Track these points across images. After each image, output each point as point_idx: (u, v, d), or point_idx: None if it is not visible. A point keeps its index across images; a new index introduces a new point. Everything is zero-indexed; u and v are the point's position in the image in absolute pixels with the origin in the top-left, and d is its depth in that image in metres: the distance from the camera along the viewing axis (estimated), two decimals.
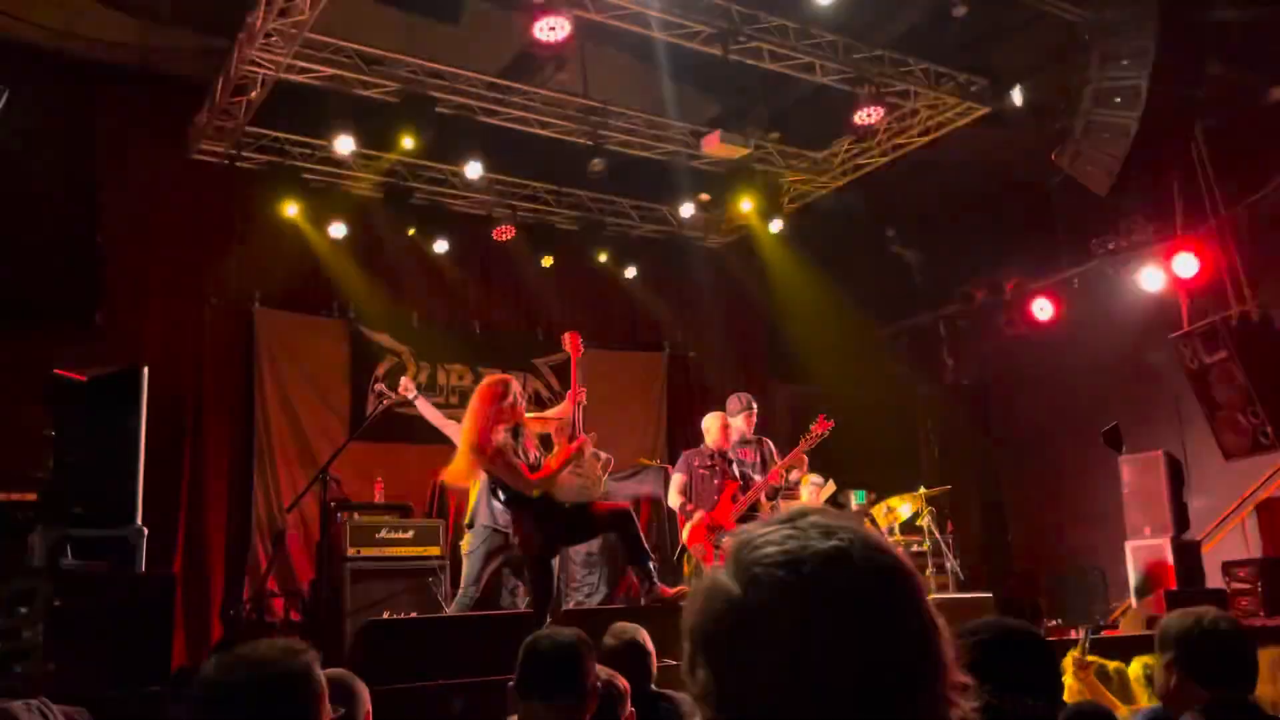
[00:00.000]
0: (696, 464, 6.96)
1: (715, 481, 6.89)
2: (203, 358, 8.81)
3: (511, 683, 2.39)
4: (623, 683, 2.70)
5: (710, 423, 7.13)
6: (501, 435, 5.37)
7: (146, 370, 4.73)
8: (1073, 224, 9.47)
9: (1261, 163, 8.39)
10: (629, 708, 2.65)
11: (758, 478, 6.95)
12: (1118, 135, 7.92)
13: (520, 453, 5.48)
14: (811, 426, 7.00)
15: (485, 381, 5.69)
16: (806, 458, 7.04)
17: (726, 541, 0.97)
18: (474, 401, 5.57)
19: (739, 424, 7.21)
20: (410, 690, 4.31)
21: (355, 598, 7.24)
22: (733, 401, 7.36)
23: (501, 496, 5.67)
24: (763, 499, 6.96)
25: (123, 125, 8.49)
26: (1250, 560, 7.94)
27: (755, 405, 7.35)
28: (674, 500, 7.04)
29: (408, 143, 8.06)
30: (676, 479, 7.03)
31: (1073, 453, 10.07)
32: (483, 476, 6.87)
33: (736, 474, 6.94)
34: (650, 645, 3.59)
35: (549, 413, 6.03)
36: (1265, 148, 8.38)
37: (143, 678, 3.83)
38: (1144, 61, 7.57)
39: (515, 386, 5.60)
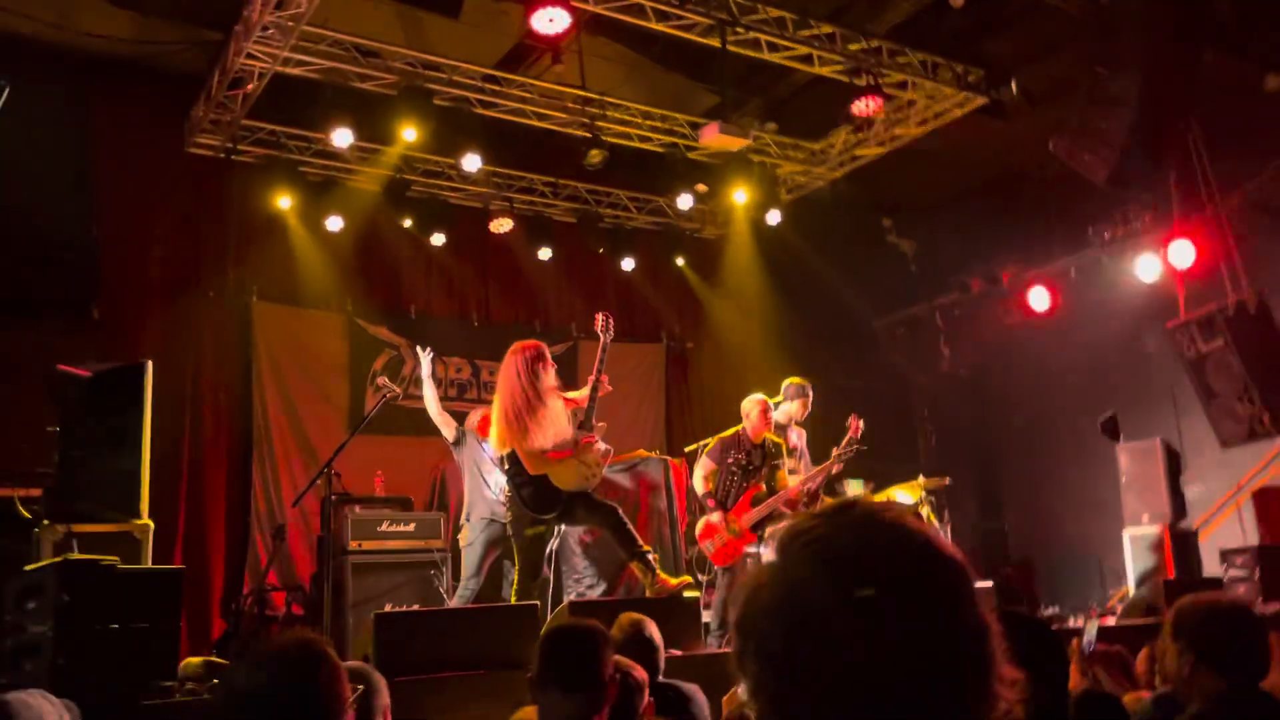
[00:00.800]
0: (730, 460, 6.74)
1: (743, 482, 6.70)
2: (201, 352, 8.79)
3: (529, 674, 2.40)
4: (641, 673, 2.71)
5: (749, 407, 6.81)
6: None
7: (151, 365, 4.72)
8: (1070, 213, 9.49)
9: (1258, 150, 8.42)
10: (647, 698, 2.67)
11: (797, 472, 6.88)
12: (1114, 125, 7.94)
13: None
14: (846, 433, 6.96)
15: (518, 345, 5.70)
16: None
17: (776, 530, 0.97)
18: (510, 365, 5.63)
19: (794, 410, 7.12)
20: (419, 682, 4.32)
21: (357, 591, 7.25)
22: (793, 389, 7.24)
23: (506, 467, 5.68)
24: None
25: (119, 118, 8.46)
26: (1247, 548, 7.98)
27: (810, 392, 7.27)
28: (698, 485, 6.88)
29: (409, 134, 8.02)
30: (705, 464, 6.83)
31: (1070, 441, 10.11)
32: (477, 464, 6.90)
33: (764, 475, 6.77)
34: (658, 637, 3.59)
35: (568, 395, 5.97)
36: (1261, 135, 8.41)
37: (152, 673, 3.83)
38: (1140, 51, 7.59)
39: (548, 353, 5.66)
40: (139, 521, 4.45)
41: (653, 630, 3.57)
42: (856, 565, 0.89)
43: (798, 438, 7.35)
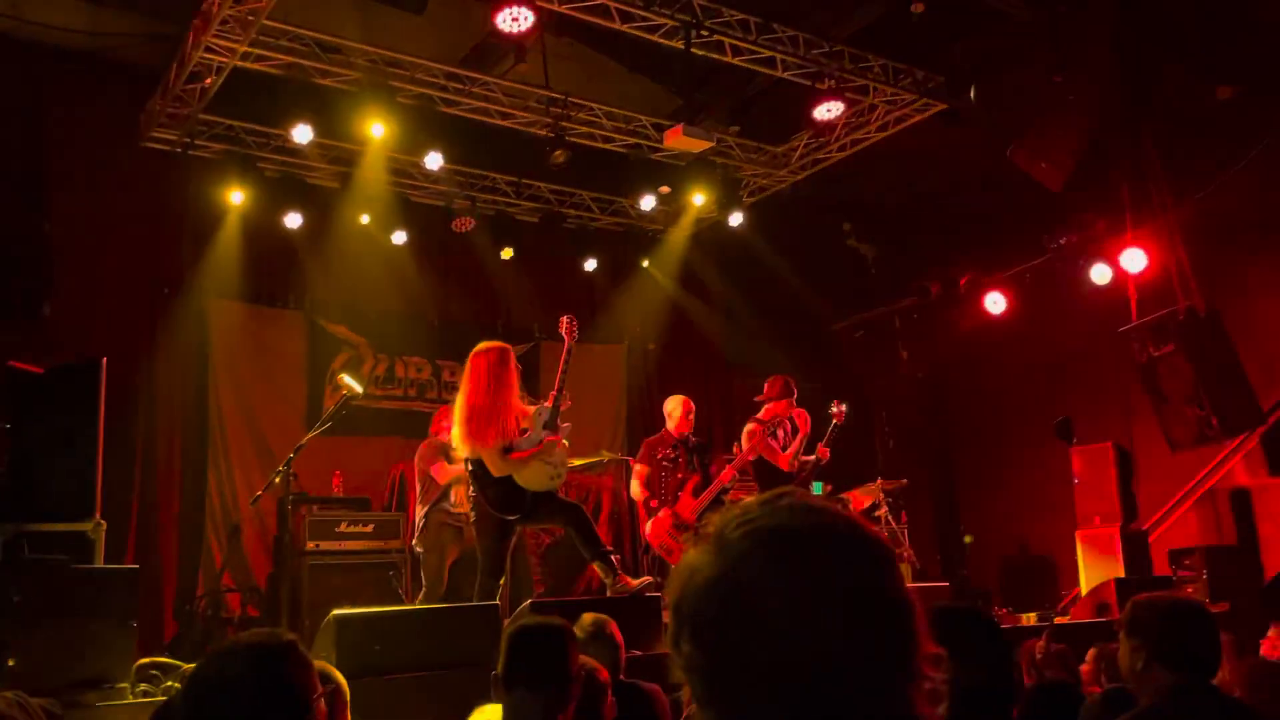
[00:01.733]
0: (660, 455, 6.96)
1: (678, 475, 6.90)
2: (155, 349, 8.65)
3: (495, 672, 2.39)
4: (604, 674, 2.71)
5: (672, 407, 7.12)
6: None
7: (104, 362, 4.64)
8: (1026, 219, 9.64)
9: (1209, 161, 8.60)
10: (609, 698, 2.67)
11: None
12: (1070, 133, 8.09)
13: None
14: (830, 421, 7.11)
15: (483, 347, 5.68)
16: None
17: (709, 518, 1.00)
18: (475, 367, 5.61)
19: (781, 410, 7.19)
20: (380, 682, 4.29)
21: (314, 592, 7.18)
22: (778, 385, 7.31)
23: (469, 468, 5.66)
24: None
25: (73, 112, 8.30)
26: (1195, 549, 8.17)
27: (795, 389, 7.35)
28: (635, 492, 7.05)
29: (377, 130, 7.94)
30: (638, 470, 7.04)
31: (1025, 443, 10.27)
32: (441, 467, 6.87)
33: (697, 465, 6.99)
34: (619, 636, 3.60)
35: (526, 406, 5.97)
36: (1212, 146, 8.59)
37: (106, 673, 3.76)
38: (1097, 61, 7.74)
39: (513, 356, 5.65)
40: (91, 521, 4.37)
41: (614, 629, 3.58)
42: (781, 545, 0.93)
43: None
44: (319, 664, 2.38)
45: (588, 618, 3.59)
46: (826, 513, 0.96)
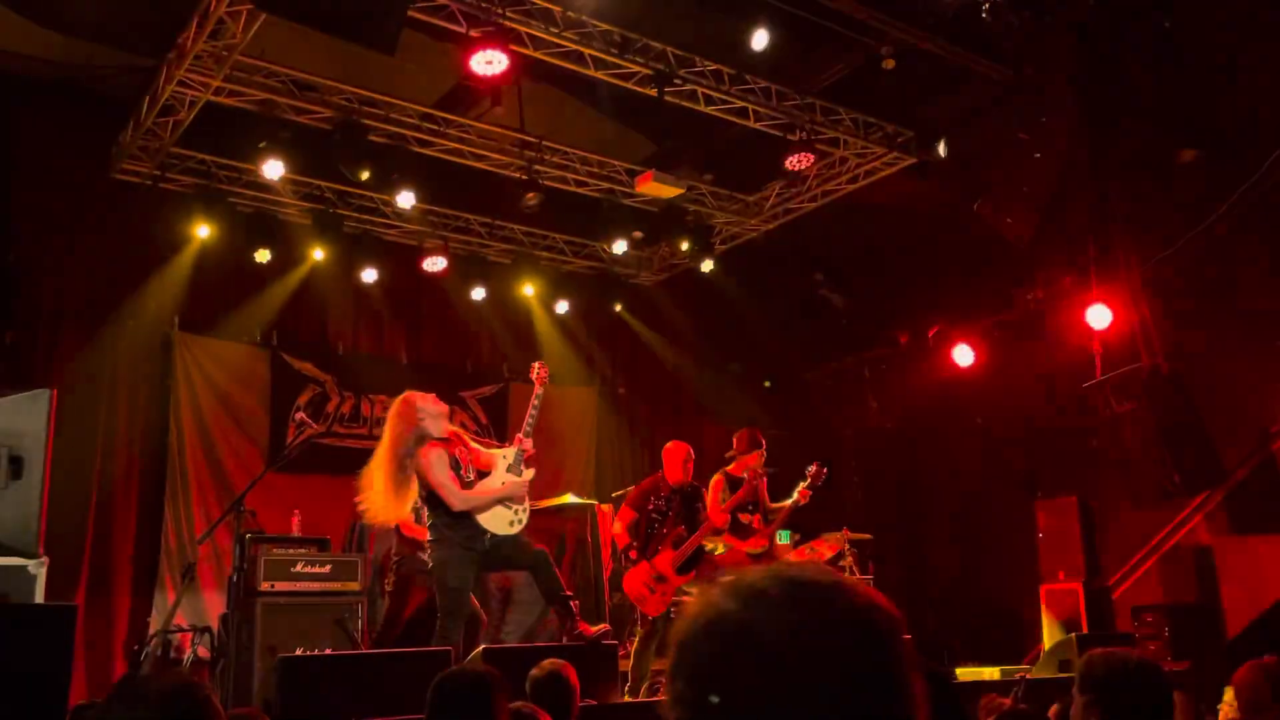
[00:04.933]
0: (650, 505, 6.75)
1: (663, 530, 6.72)
2: (116, 381, 8.56)
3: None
4: (545, 717, 2.65)
5: (673, 454, 6.84)
6: (424, 446, 5.37)
7: (54, 393, 4.55)
8: (994, 273, 9.74)
9: (1172, 220, 8.73)
10: None
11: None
12: (1036, 189, 8.20)
13: (455, 467, 5.49)
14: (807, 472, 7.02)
15: (396, 400, 5.67)
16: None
17: (727, 573, 1.01)
18: (388, 421, 5.65)
19: (752, 461, 7.04)
20: None
21: (268, 633, 7.01)
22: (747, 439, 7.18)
23: (425, 515, 5.59)
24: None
25: (43, 141, 8.27)
26: (1158, 606, 8.17)
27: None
28: (617, 533, 6.85)
29: (365, 175, 7.97)
30: (624, 513, 6.83)
31: (991, 496, 10.28)
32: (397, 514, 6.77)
33: (684, 517, 6.79)
34: (575, 681, 3.55)
35: (494, 452, 5.91)
36: (1176, 206, 8.73)
37: (39, 713, 3.65)
38: (1063, 119, 7.88)
39: (416, 398, 5.60)
40: (34, 557, 4.26)
41: (571, 675, 3.53)
42: (805, 588, 0.94)
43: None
44: (246, 711, 2.32)
45: (548, 662, 3.56)
46: (832, 574, 0.98)
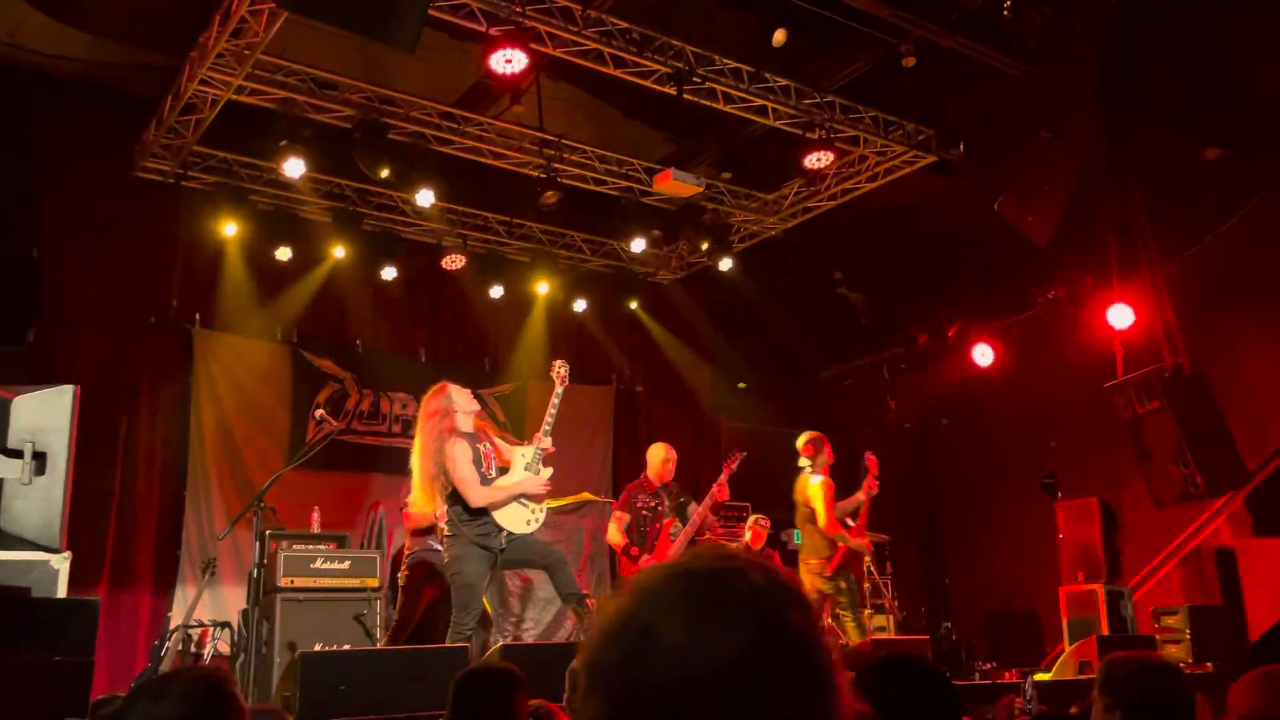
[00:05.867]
0: (639, 504, 6.93)
1: (657, 524, 6.87)
2: (139, 378, 8.62)
3: (443, 717, 2.34)
4: (562, 717, 2.66)
5: (653, 454, 7.12)
6: (451, 439, 5.40)
7: (78, 390, 4.58)
8: (1014, 272, 9.68)
9: (1195, 219, 8.66)
10: None
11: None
12: (1058, 188, 8.14)
13: (478, 462, 5.51)
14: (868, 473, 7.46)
15: (431, 390, 5.75)
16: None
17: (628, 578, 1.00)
18: (421, 411, 5.73)
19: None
20: None
21: (287, 629, 7.06)
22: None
23: (443, 506, 5.61)
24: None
25: (67, 139, 8.34)
26: (1180, 608, 8.10)
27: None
28: (615, 538, 7.00)
29: (385, 173, 8.03)
30: (618, 515, 7.00)
31: (1010, 497, 10.23)
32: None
33: (676, 512, 6.96)
34: None
35: (513, 449, 5.95)
36: (1199, 205, 8.66)
37: (60, 708, 3.68)
38: (1085, 118, 7.81)
39: (452, 390, 5.64)
40: (56, 551, 4.30)
41: None
42: (700, 581, 0.92)
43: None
44: (266, 706, 2.33)
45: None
46: (739, 558, 0.95)
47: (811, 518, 7.23)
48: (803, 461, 7.38)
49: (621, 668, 0.90)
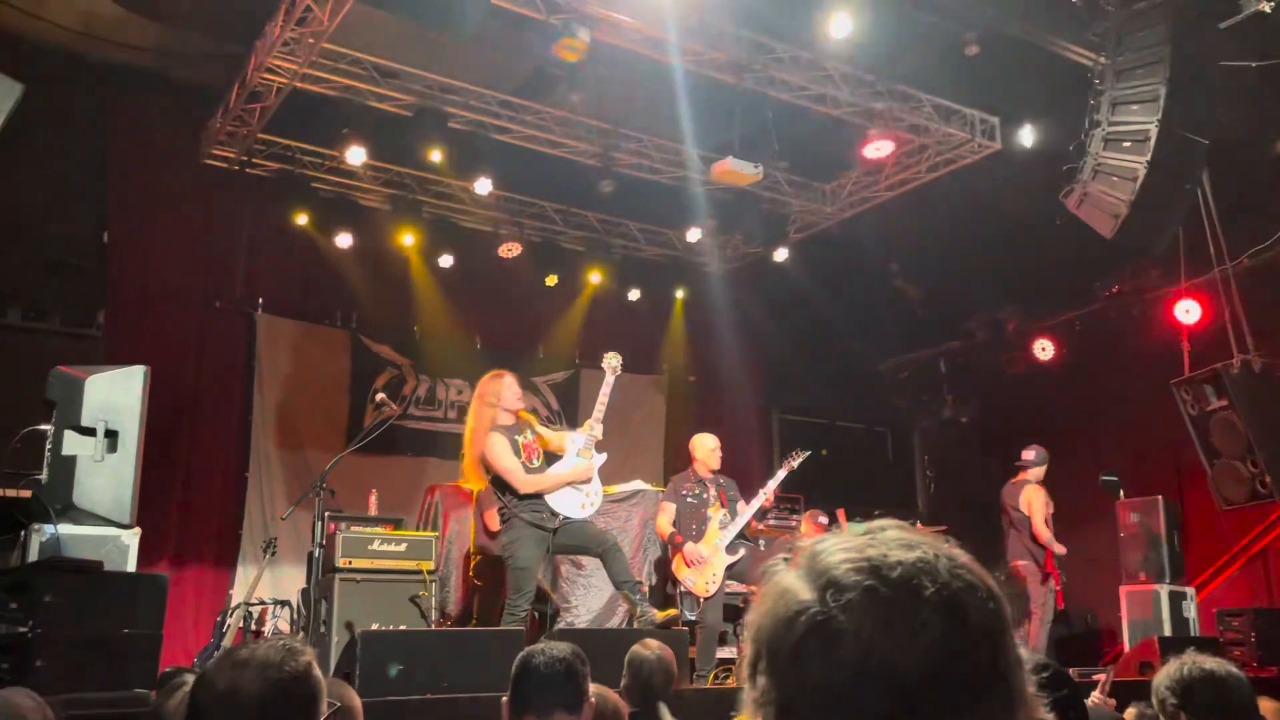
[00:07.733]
0: (684, 493, 6.92)
1: (704, 511, 6.85)
2: (203, 361, 8.81)
3: (505, 697, 2.37)
4: (620, 703, 2.67)
5: (699, 444, 7.07)
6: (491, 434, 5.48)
7: (148, 370, 4.71)
8: (1076, 266, 9.49)
9: (1267, 213, 8.42)
10: None
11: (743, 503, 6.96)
12: (1125, 180, 7.96)
13: (517, 453, 5.58)
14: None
15: (483, 379, 5.92)
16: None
17: (801, 546, 0.93)
18: (475, 396, 5.97)
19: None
20: (401, 703, 4.28)
21: (344, 609, 7.18)
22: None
23: (496, 494, 5.71)
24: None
25: (136, 127, 8.54)
26: (1244, 610, 7.91)
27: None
28: (663, 527, 7.00)
29: (436, 156, 8.11)
30: (664, 506, 6.99)
31: (1069, 494, 10.01)
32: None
33: (724, 500, 6.92)
34: (675, 668, 3.62)
35: (564, 435, 6.03)
36: (1271, 198, 8.42)
37: (130, 679, 3.79)
38: (1153, 107, 7.62)
39: (507, 380, 5.71)
40: (127, 527, 4.43)
41: (672, 659, 3.61)
42: (877, 579, 0.85)
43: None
44: (333, 682, 2.38)
45: (653, 643, 3.63)
46: (926, 546, 0.88)
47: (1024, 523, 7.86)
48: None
49: (796, 657, 0.85)
